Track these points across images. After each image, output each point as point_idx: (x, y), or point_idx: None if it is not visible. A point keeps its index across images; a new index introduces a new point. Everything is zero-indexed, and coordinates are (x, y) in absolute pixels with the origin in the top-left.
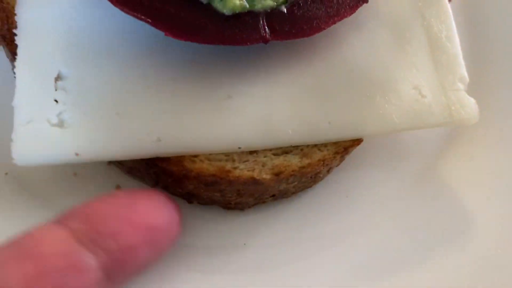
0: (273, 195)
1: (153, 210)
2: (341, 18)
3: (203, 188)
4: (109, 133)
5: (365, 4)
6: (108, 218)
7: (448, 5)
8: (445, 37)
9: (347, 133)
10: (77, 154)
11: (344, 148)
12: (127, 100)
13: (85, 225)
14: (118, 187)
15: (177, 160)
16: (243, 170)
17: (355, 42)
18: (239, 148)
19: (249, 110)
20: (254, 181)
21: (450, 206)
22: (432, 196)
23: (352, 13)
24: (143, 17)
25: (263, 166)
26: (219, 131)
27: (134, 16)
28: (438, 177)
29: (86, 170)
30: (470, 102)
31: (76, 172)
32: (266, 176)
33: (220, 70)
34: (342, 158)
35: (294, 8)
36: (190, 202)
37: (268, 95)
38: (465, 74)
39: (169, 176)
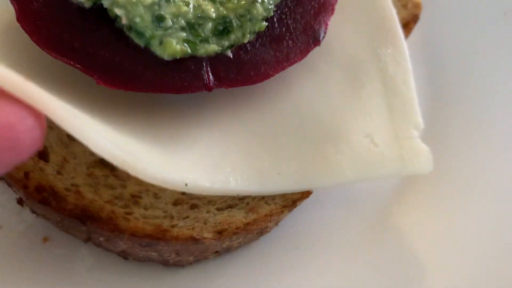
0: (216, 251)
1: (11, 108)
2: (291, 64)
3: (138, 248)
4: None
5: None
6: None
7: (405, 45)
8: (401, 80)
9: (297, 185)
10: None
11: (292, 201)
12: None
13: None
14: (45, 239)
15: (108, 219)
16: (182, 228)
17: (307, 86)
18: (186, 185)
19: (194, 153)
20: (194, 241)
21: (402, 257)
22: (385, 246)
23: (303, 58)
24: (72, 62)
25: (204, 223)
26: (163, 168)
27: (63, 61)
28: (390, 227)
29: (11, 222)
30: (424, 151)
31: (1, 225)
32: (207, 234)
33: (163, 112)
34: (290, 211)
35: (241, 52)
36: (125, 258)
37: (216, 140)
38: (420, 120)
39: (100, 235)
